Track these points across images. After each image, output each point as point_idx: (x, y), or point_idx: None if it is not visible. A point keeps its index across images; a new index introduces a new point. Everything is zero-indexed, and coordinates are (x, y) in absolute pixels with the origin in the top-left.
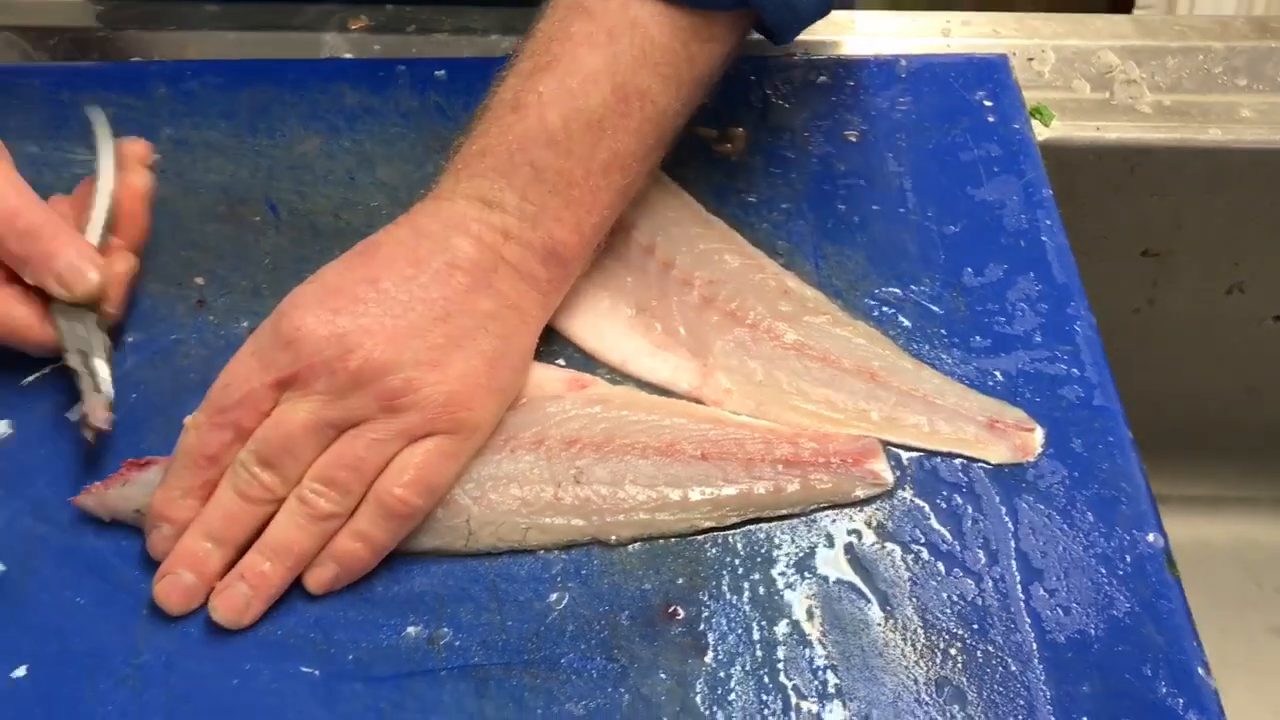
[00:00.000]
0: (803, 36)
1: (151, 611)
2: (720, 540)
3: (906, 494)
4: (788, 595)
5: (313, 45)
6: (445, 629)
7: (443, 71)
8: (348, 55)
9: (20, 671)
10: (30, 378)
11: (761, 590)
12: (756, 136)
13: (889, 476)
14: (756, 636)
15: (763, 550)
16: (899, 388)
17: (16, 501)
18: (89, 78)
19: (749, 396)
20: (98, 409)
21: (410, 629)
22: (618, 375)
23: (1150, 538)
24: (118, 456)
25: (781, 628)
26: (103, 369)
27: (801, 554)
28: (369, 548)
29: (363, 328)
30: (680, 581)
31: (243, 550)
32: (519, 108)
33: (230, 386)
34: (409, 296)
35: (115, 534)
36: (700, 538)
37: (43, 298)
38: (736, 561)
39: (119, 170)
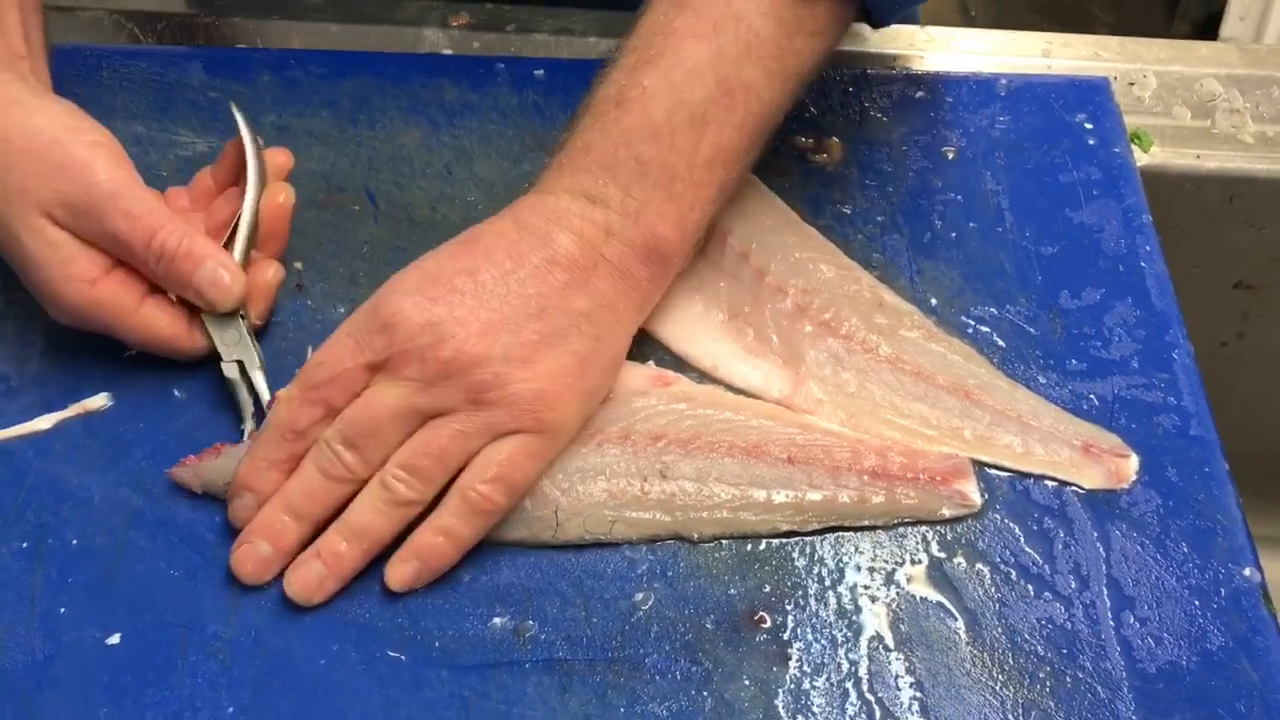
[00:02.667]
0: (902, 50)
1: (242, 587)
2: (808, 549)
3: (997, 515)
4: (874, 608)
5: (413, 40)
6: (531, 622)
7: (541, 71)
8: (448, 51)
9: (115, 639)
10: (132, 350)
11: (848, 602)
12: (853, 148)
13: (977, 498)
14: (842, 648)
15: (850, 561)
16: (994, 407)
17: (114, 472)
18: (195, 61)
19: (840, 407)
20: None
21: (496, 620)
22: (707, 379)
23: (1246, 572)
24: (215, 436)
25: (867, 641)
26: (261, 381)
27: (889, 568)
28: (452, 543)
29: (457, 318)
30: (766, 589)
31: (321, 527)
32: (623, 102)
33: (324, 364)
34: (506, 290)
35: (209, 508)
36: (788, 546)
37: (190, 306)
38: (824, 571)
39: (264, 183)
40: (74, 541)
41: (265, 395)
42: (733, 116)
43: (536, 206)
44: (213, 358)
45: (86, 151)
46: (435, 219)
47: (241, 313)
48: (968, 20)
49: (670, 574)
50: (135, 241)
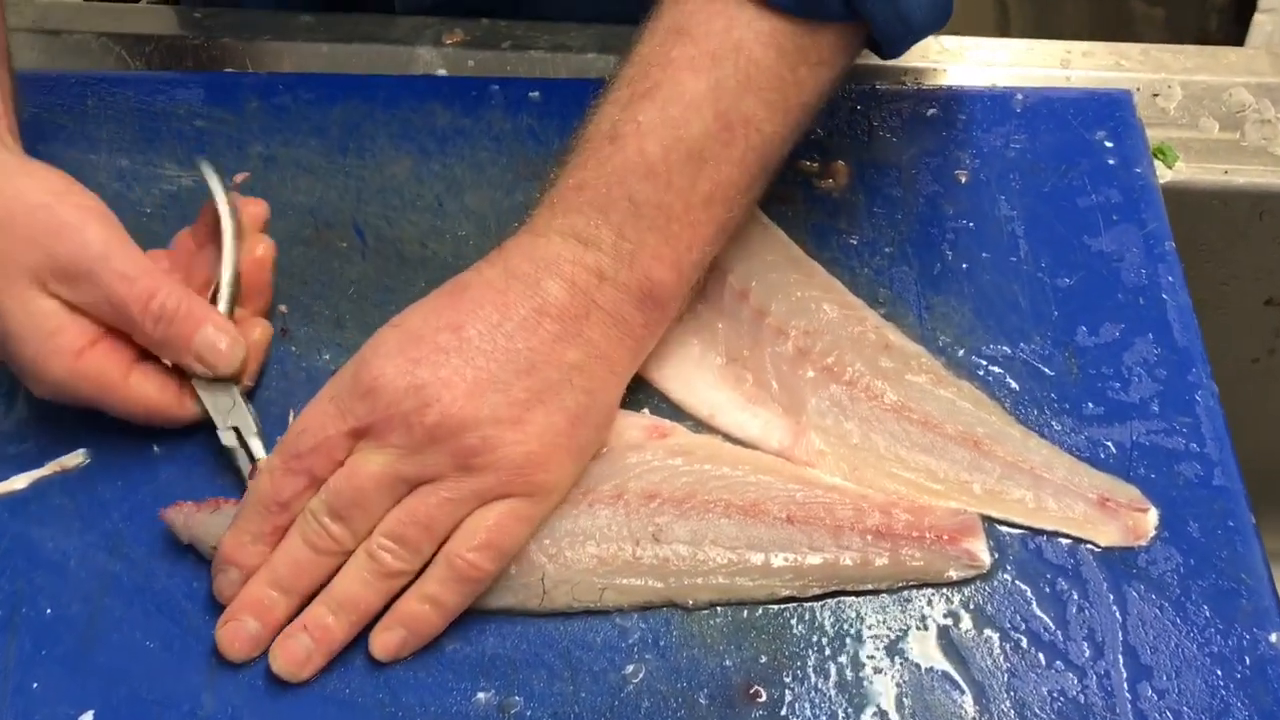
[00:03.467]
0: (913, 64)
1: (219, 661)
2: (807, 616)
3: (1007, 576)
4: (876, 681)
5: (407, 59)
6: (517, 697)
7: (537, 93)
8: (441, 71)
9: (87, 717)
10: None
11: (849, 674)
12: (860, 172)
13: (986, 558)
14: None
15: (851, 629)
16: (1004, 458)
17: (91, 534)
18: (182, 88)
19: (843, 460)
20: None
21: (481, 694)
22: (704, 427)
23: (1273, 638)
24: (193, 495)
25: (869, 717)
26: (259, 448)
27: (893, 636)
28: (438, 611)
29: (442, 380)
30: (763, 659)
31: (308, 599)
32: (616, 138)
33: (306, 432)
34: (492, 346)
35: (187, 573)
36: (786, 612)
37: (179, 373)
38: (823, 640)
39: (240, 238)
40: (49, 610)
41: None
42: (732, 152)
43: (526, 250)
44: (205, 424)
45: (75, 214)
46: (425, 256)
47: (233, 376)
48: (1002, 13)
49: (662, 644)
50: (132, 304)
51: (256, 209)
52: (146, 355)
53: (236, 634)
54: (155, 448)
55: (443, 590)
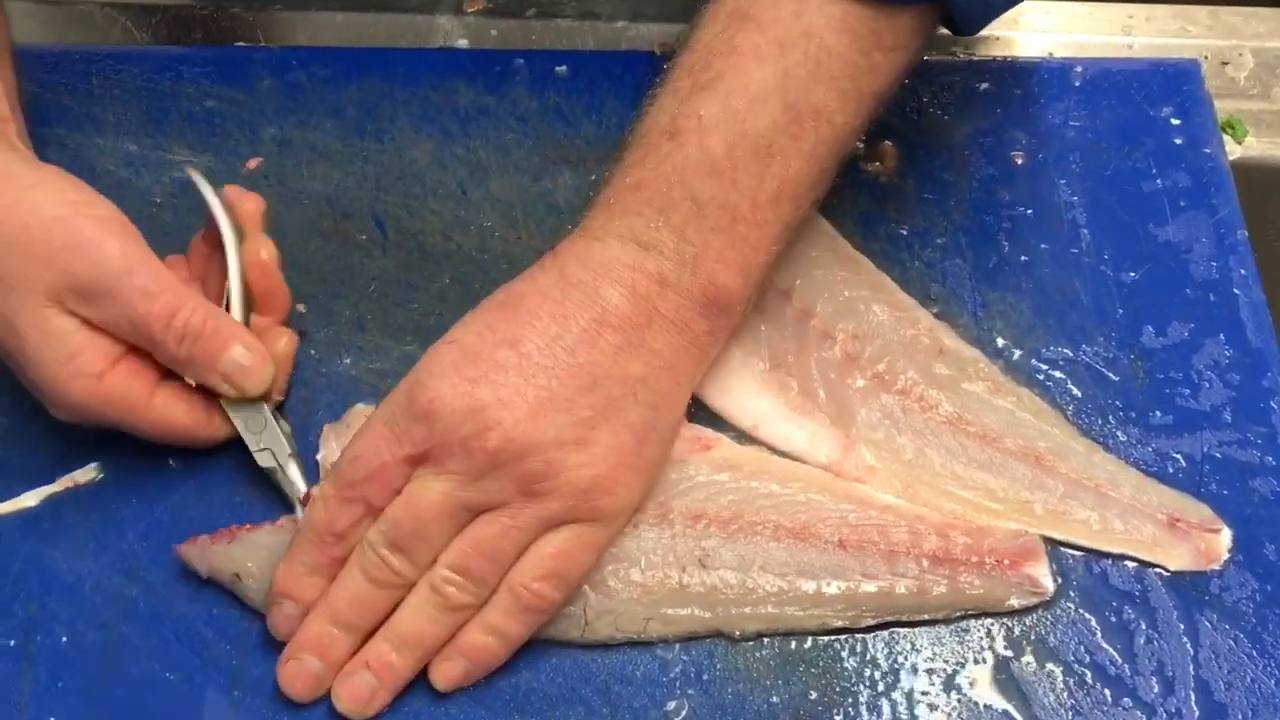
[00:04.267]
0: None
1: (243, 692)
2: (858, 648)
3: (1070, 604)
4: (932, 718)
5: (426, 29)
6: None
7: (564, 67)
8: (462, 42)
9: None
10: None
11: (903, 711)
12: (909, 154)
13: (1049, 584)
14: None
15: (905, 663)
16: (1067, 475)
17: (106, 556)
18: (191, 65)
19: (896, 476)
20: (303, 502)
21: None
22: (746, 438)
23: None
24: (211, 511)
25: None
26: (295, 472)
27: (949, 670)
28: (502, 643)
29: (502, 400)
30: (813, 695)
31: (370, 633)
32: (676, 133)
33: (360, 460)
34: (553, 362)
35: (206, 599)
36: (836, 644)
37: (205, 392)
38: (876, 675)
39: (241, 241)
40: (64, 639)
41: (300, 487)
42: (801, 146)
43: (582, 256)
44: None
45: (93, 228)
46: (449, 249)
47: (262, 395)
48: None
49: (706, 677)
50: (155, 321)
51: (252, 205)
52: (171, 374)
53: (299, 674)
54: (171, 461)
55: (506, 621)
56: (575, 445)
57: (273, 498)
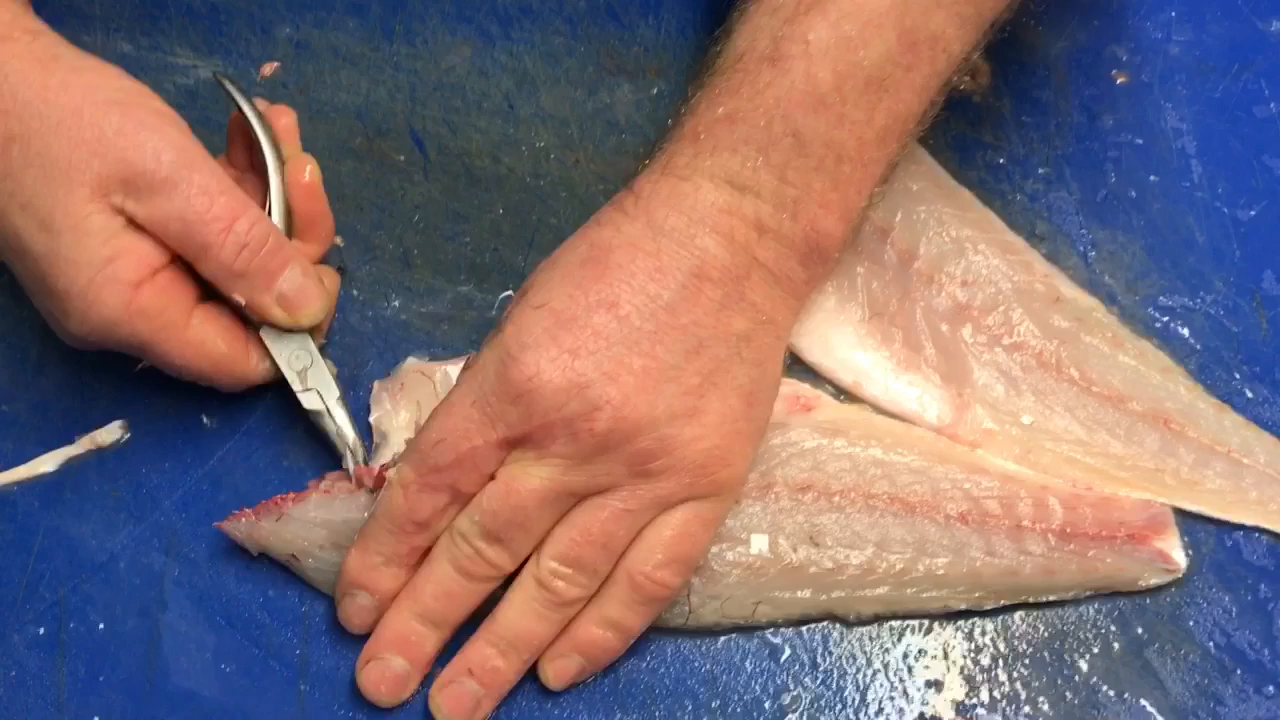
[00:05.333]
0: None
1: (312, 685)
2: (979, 631)
3: (1202, 580)
4: (1062, 710)
5: None
6: None
7: None
8: None
9: None
10: (145, 361)
11: (1042, 701)
12: (1004, 72)
13: (1182, 560)
14: None
15: (1028, 649)
16: (1198, 440)
17: (139, 529)
18: None
19: (1015, 442)
20: (364, 476)
21: None
22: (847, 395)
23: None
24: (256, 477)
25: None
26: (344, 418)
27: (1077, 656)
28: (620, 636)
29: (607, 374)
30: (937, 684)
31: (457, 629)
32: (779, 60)
33: (446, 443)
34: (655, 325)
35: (259, 577)
36: (957, 627)
37: (244, 321)
38: (1000, 660)
39: (282, 162)
40: (100, 625)
41: (349, 434)
42: (914, 78)
43: (670, 198)
44: (260, 390)
45: (153, 117)
46: (499, 173)
47: (313, 329)
48: None
49: (822, 665)
50: (214, 223)
51: (287, 120)
52: (209, 298)
53: (383, 676)
54: (205, 419)
55: (626, 613)
56: (687, 417)
57: (325, 458)
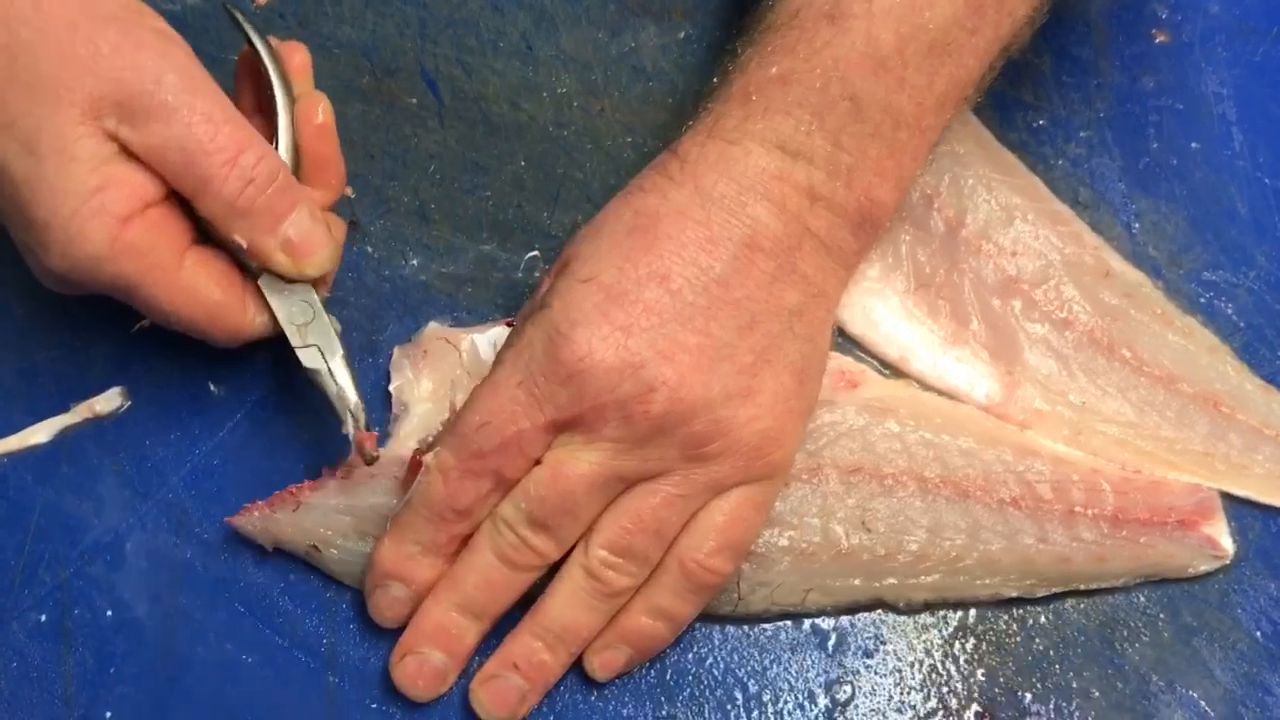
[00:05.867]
0: None
1: (341, 678)
2: (1028, 620)
3: (1250, 568)
4: (1110, 699)
5: None
6: None
7: None
8: None
9: None
10: (144, 322)
11: (1093, 691)
12: (1042, 26)
13: (1230, 546)
14: None
15: (1079, 637)
16: (1246, 423)
17: (148, 506)
18: None
19: (1065, 423)
20: (365, 442)
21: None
22: (892, 370)
23: None
24: (282, 442)
25: None
26: (346, 377)
27: (1127, 646)
28: (670, 626)
29: (662, 354)
30: (988, 673)
31: (498, 620)
32: (839, 18)
33: (490, 427)
34: (708, 300)
35: (280, 561)
36: (1005, 615)
37: (242, 268)
38: (1050, 650)
39: (293, 100)
40: (108, 612)
41: (350, 397)
42: (978, 42)
43: (719, 162)
44: (274, 341)
45: (154, 37)
46: (519, 121)
47: (318, 279)
48: None
49: (874, 656)
50: (217, 154)
51: (301, 57)
52: (204, 241)
53: (421, 670)
54: (212, 386)
55: (676, 602)
56: (742, 398)
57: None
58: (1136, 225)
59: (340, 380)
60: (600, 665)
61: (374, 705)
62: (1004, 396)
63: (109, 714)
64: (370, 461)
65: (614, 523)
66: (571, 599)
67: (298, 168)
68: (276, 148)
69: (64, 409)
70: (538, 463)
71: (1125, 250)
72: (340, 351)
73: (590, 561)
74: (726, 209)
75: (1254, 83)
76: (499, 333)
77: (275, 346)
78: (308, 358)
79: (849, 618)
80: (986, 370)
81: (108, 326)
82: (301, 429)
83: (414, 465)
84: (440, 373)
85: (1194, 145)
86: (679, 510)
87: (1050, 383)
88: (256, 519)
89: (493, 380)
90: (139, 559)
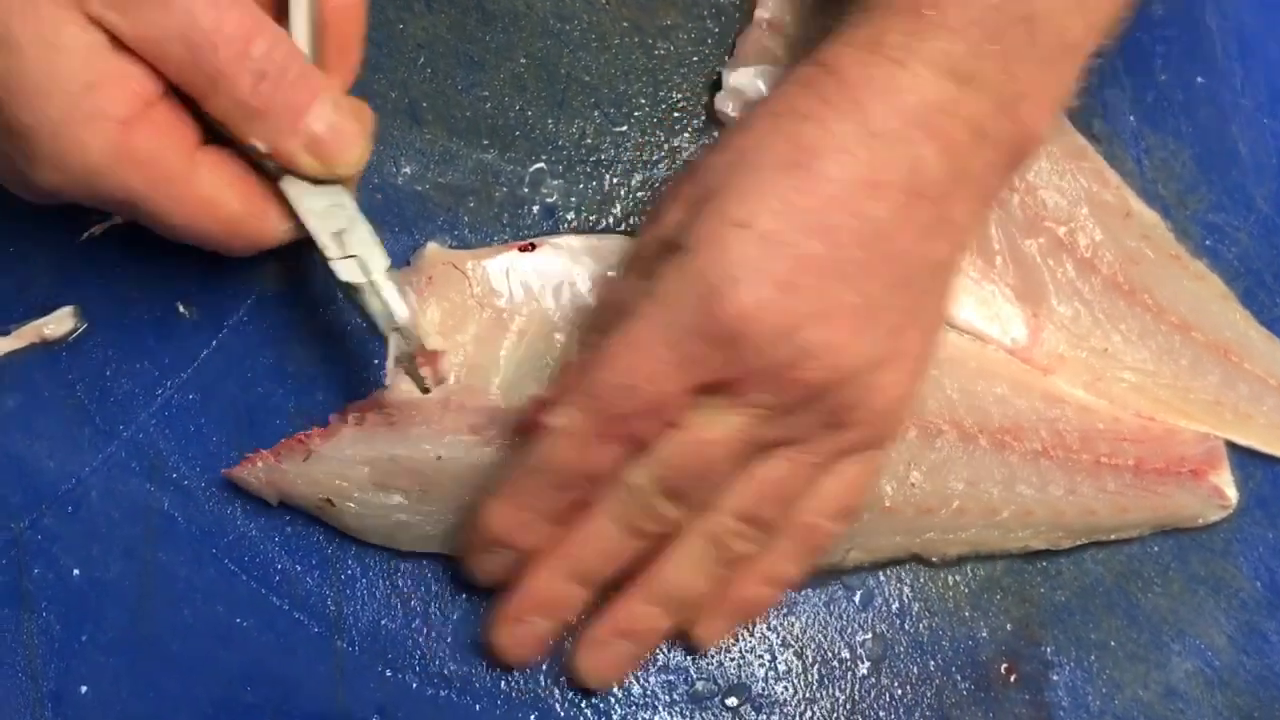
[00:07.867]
0: None
1: (350, 643)
2: (1051, 570)
3: (1249, 516)
4: (1130, 648)
5: None
6: (733, 700)
7: None
8: None
9: None
10: (97, 228)
11: (1111, 641)
12: None
13: (1233, 494)
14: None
15: (1099, 588)
16: (1252, 372)
17: (112, 446)
18: None
19: (1086, 369)
20: (434, 361)
21: (700, 684)
22: None
23: None
24: (268, 374)
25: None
26: (391, 289)
27: (1146, 593)
28: (781, 590)
29: (821, 314)
30: (1010, 626)
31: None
32: None
33: (634, 390)
34: (868, 254)
35: (275, 515)
36: (1031, 567)
37: (258, 170)
38: (1074, 604)
39: None
40: (75, 571)
41: (401, 311)
42: None
43: (888, 92)
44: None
45: None
46: (515, 9)
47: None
48: None
49: (898, 610)
50: (225, 45)
51: None
52: (211, 139)
53: (526, 638)
54: (181, 307)
55: (790, 566)
56: (887, 363)
57: (340, 361)
58: (1146, 160)
59: (386, 296)
60: (708, 633)
61: (388, 673)
62: (1029, 340)
63: (84, 688)
64: (439, 383)
65: (748, 491)
66: (695, 566)
67: (316, 49)
68: (288, 26)
69: (4, 332)
70: (670, 425)
71: (1137, 188)
72: (385, 263)
73: (719, 529)
74: (891, 147)
75: (1252, 17)
76: (511, 259)
77: (251, 260)
78: (346, 270)
79: (881, 572)
80: (1012, 311)
81: (51, 232)
82: (286, 361)
83: (531, 426)
84: (449, 301)
85: (1199, 80)
86: (806, 478)
87: (1071, 328)
88: (260, 470)
89: (632, 336)
90: (108, 508)
